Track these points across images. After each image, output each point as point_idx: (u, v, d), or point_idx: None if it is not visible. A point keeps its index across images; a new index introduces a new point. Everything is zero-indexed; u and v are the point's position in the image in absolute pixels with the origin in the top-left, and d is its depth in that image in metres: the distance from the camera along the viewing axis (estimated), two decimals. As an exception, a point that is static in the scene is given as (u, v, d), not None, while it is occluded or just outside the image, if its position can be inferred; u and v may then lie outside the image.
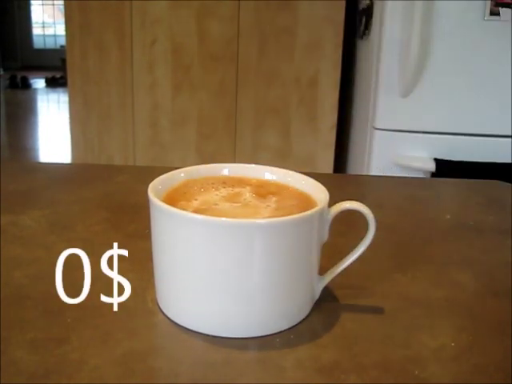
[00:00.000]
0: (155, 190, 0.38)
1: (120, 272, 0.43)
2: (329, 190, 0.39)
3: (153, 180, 0.39)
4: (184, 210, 0.35)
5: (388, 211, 0.60)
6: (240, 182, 0.43)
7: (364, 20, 1.70)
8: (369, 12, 1.65)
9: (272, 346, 0.34)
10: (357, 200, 0.38)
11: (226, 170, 0.44)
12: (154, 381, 0.31)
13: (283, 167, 0.44)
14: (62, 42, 7.33)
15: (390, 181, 0.76)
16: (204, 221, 0.34)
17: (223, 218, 0.34)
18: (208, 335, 0.35)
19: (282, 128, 1.85)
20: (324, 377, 0.31)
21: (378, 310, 0.39)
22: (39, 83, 7.00)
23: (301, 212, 0.35)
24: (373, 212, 0.38)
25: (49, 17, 9.01)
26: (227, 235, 0.33)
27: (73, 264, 0.44)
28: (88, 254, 0.46)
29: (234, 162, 0.45)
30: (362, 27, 1.73)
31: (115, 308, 0.38)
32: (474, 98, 1.49)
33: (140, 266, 0.44)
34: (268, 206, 0.38)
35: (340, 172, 1.88)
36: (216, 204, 0.38)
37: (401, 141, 1.54)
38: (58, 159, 3.51)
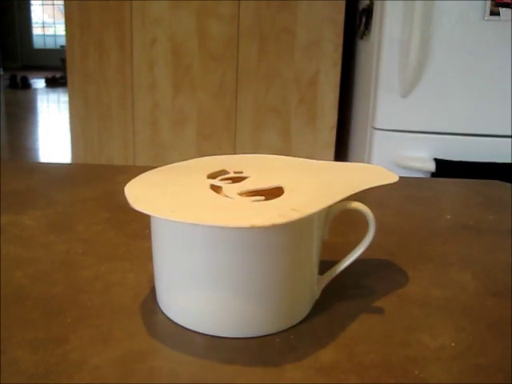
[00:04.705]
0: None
1: (120, 272, 0.43)
2: (329, 190, 0.39)
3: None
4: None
5: (388, 211, 0.60)
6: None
7: (364, 20, 1.70)
8: (369, 12, 1.65)
9: (272, 346, 0.34)
10: (357, 200, 0.38)
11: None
12: (154, 381, 0.31)
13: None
14: (62, 42, 7.34)
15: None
16: (204, 221, 0.34)
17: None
18: (208, 335, 0.35)
19: (282, 128, 1.86)
20: (324, 377, 0.31)
21: (378, 310, 0.39)
22: (39, 83, 7.00)
23: (301, 212, 0.35)
24: (373, 212, 0.38)
25: (49, 17, 9.02)
26: (227, 235, 0.33)
27: (73, 264, 0.44)
28: (88, 254, 0.46)
29: (234, 161, 0.45)
30: (362, 27, 1.73)
31: (115, 308, 0.38)
32: (474, 98, 1.49)
33: (140, 266, 0.44)
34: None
35: (340, 172, 1.88)
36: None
37: (401, 141, 1.55)
38: (58, 159, 3.51)
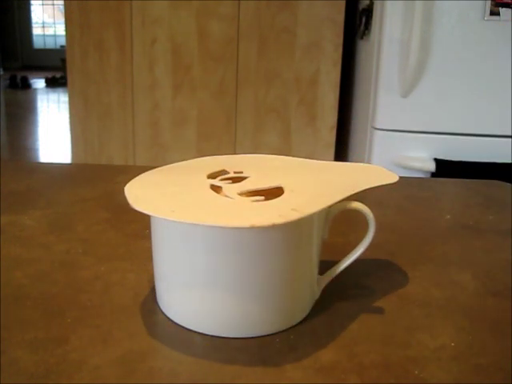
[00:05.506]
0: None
1: (120, 272, 0.43)
2: (329, 190, 0.39)
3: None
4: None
5: (388, 211, 0.60)
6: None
7: (364, 20, 1.70)
8: (369, 12, 1.65)
9: (272, 345, 0.34)
10: (357, 200, 0.38)
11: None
12: (154, 381, 0.31)
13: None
14: (62, 42, 7.35)
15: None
16: (204, 221, 0.34)
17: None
18: (208, 335, 0.35)
19: (281, 128, 1.85)
20: (324, 377, 0.31)
21: (378, 310, 0.39)
22: (39, 83, 7.00)
23: (301, 212, 0.35)
24: (373, 212, 0.38)
25: (49, 17, 9.02)
26: (227, 235, 0.33)
27: (73, 264, 0.44)
28: (88, 253, 0.46)
29: (234, 162, 0.45)
30: (362, 27, 1.73)
31: (115, 308, 0.38)
32: (474, 98, 1.49)
33: (140, 266, 0.44)
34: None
35: (340, 172, 1.88)
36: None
37: (401, 141, 1.55)
38: (58, 159, 3.51)
